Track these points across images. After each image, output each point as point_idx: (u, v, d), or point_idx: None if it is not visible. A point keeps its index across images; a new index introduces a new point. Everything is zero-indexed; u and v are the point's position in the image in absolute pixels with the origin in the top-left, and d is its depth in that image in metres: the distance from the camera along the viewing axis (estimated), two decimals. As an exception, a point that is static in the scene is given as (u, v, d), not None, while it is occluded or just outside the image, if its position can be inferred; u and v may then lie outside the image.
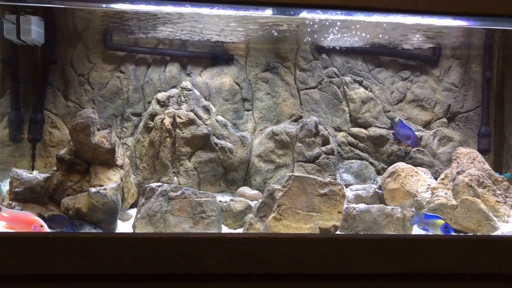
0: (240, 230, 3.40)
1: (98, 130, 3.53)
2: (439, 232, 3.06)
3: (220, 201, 3.53)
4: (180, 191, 3.22)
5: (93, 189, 3.17)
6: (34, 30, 3.66)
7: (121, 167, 3.49)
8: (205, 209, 3.22)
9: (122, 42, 4.19)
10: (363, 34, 4.04)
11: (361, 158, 4.28)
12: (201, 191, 3.32)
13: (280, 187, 3.07)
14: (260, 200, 3.33)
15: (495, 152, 4.34)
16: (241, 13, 3.38)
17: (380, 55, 4.40)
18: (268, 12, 3.20)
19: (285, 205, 3.00)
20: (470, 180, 3.50)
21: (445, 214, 3.39)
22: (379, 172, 4.26)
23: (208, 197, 3.27)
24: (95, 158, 3.37)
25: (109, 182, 3.29)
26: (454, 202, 3.44)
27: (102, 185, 3.23)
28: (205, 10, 3.31)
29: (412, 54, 4.39)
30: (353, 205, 3.61)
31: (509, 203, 3.53)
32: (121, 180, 3.39)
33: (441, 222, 3.08)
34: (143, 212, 3.17)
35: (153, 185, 3.29)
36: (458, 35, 4.10)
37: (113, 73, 4.19)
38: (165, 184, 3.29)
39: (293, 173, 3.21)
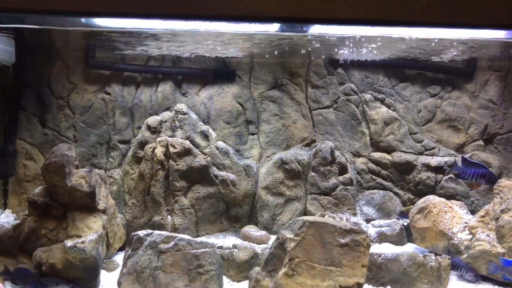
0: (245, 285, 2.92)
1: (77, 167, 3.08)
2: None
3: (221, 248, 3.08)
4: (173, 242, 2.78)
5: (69, 243, 2.74)
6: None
7: (104, 211, 3.02)
8: (203, 263, 2.78)
9: (107, 59, 3.71)
10: (385, 46, 3.52)
11: (384, 188, 3.81)
12: (198, 241, 2.87)
13: (292, 236, 2.61)
14: (269, 248, 2.86)
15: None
16: (244, 28, 2.86)
17: (405, 68, 3.91)
18: (275, 27, 2.69)
19: (299, 258, 2.56)
20: (519, 220, 3.01)
21: (489, 264, 2.94)
22: (404, 204, 3.78)
23: (206, 247, 2.83)
24: (72, 202, 2.94)
25: (89, 231, 2.87)
26: (499, 250, 2.98)
27: (80, 236, 2.82)
28: (202, 25, 2.80)
29: (442, 66, 3.88)
30: (377, 250, 3.14)
31: None
32: (103, 228, 2.94)
33: None
34: (129, 267, 2.78)
35: (141, 233, 2.87)
36: (496, 44, 3.57)
37: (97, 95, 3.71)
38: (154, 232, 2.86)
39: (307, 218, 2.74)
